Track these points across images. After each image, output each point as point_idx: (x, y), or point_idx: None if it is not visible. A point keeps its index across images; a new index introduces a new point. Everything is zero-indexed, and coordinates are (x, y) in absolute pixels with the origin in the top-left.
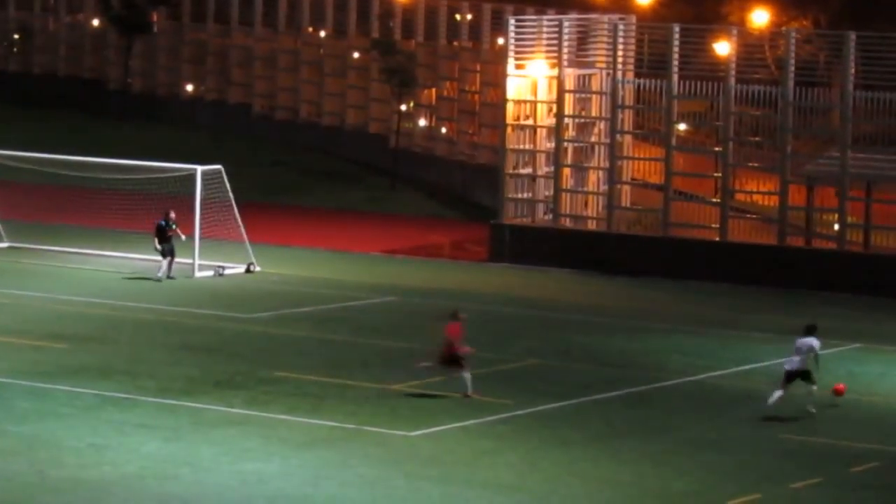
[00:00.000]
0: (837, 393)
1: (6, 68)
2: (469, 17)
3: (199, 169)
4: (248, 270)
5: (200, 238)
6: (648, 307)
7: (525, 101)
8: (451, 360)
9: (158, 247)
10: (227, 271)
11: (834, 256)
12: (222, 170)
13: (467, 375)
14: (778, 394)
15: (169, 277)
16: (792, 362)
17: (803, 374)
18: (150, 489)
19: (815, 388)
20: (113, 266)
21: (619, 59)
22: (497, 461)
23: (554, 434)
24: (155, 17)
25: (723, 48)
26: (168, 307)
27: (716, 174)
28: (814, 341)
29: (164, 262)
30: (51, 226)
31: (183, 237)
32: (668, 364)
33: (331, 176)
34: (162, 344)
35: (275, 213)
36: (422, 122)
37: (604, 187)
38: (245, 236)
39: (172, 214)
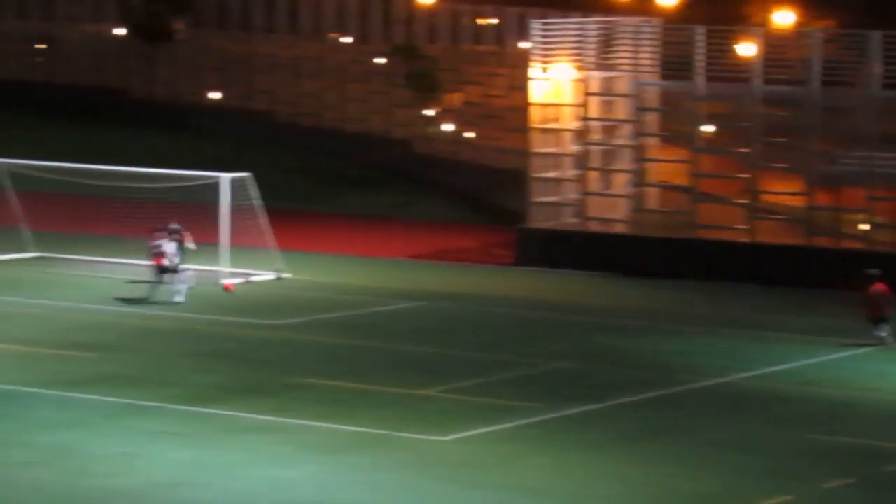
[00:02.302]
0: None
1: (30, 78)
2: (493, 20)
3: (227, 176)
4: (277, 277)
5: (229, 246)
6: (676, 309)
7: (550, 105)
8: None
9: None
10: (255, 278)
11: (862, 256)
12: (251, 177)
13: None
14: None
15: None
16: None
17: None
18: (181, 497)
19: None
20: (141, 275)
21: (644, 62)
22: (527, 465)
23: (583, 437)
24: (178, 26)
25: (747, 49)
26: (197, 315)
27: (742, 175)
28: None
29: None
30: (78, 235)
31: (192, 245)
32: (697, 366)
33: (356, 182)
34: (191, 352)
35: (301, 220)
36: (446, 127)
37: (630, 190)
38: (273, 243)
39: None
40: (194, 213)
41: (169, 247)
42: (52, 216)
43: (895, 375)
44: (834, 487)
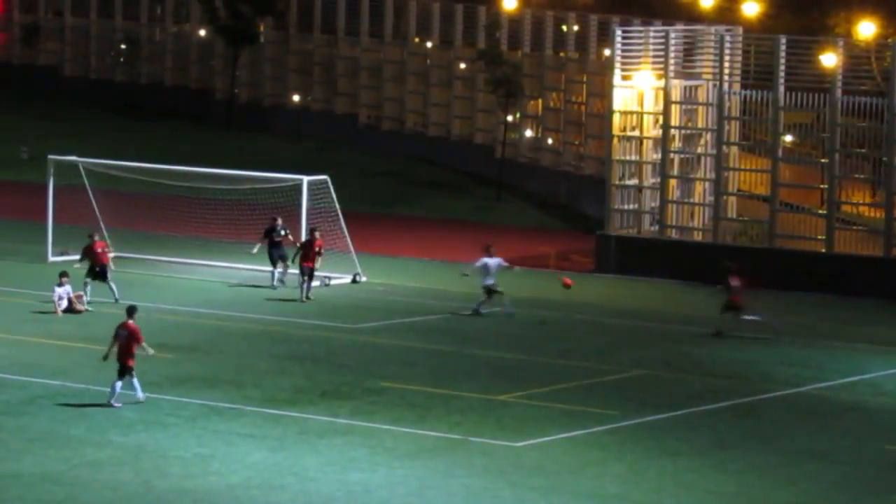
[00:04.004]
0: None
1: (113, 78)
2: (575, 27)
3: (306, 179)
4: (354, 280)
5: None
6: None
7: (631, 112)
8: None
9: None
10: (333, 281)
11: None
12: (328, 180)
13: None
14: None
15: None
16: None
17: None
18: (256, 499)
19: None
20: (218, 276)
21: (726, 70)
22: (603, 472)
23: (660, 445)
24: (261, 28)
25: (829, 60)
26: (274, 317)
27: (822, 185)
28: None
29: (278, 269)
30: (157, 236)
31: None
32: (775, 375)
33: (436, 186)
34: (268, 354)
35: (380, 224)
36: (528, 133)
37: (710, 198)
38: (351, 246)
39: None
40: (274, 215)
41: (494, 263)
42: (131, 216)
43: None
44: None
